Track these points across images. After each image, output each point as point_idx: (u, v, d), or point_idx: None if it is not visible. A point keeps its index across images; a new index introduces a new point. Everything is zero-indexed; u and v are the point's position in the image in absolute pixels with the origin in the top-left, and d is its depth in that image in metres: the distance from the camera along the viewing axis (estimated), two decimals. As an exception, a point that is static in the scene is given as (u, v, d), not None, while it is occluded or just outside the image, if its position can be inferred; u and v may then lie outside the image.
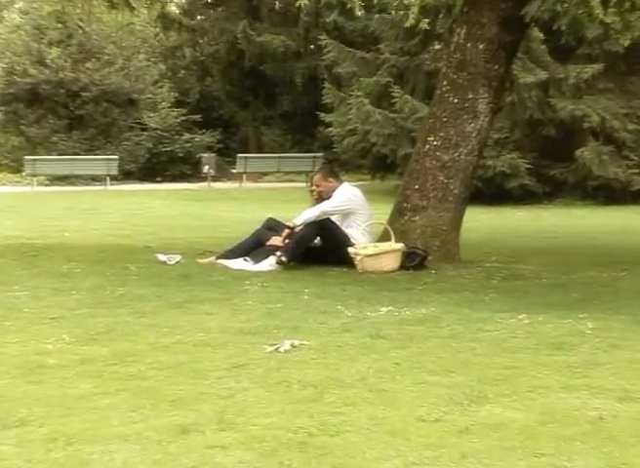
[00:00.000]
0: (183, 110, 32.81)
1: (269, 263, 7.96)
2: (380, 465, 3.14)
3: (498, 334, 5.24)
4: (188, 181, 29.32)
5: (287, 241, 8.09)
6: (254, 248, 8.27)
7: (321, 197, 8.46)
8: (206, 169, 27.70)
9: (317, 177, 8.67)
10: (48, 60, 30.42)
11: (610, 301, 6.56)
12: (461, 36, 8.65)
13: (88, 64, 30.93)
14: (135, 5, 11.34)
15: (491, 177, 19.91)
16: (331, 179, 8.57)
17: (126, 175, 29.09)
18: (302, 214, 8.24)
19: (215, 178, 28.14)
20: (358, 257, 7.88)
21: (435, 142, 8.63)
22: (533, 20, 8.92)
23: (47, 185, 26.94)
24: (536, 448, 3.28)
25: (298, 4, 8.59)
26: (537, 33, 18.88)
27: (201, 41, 32.61)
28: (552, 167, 20.69)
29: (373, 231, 8.54)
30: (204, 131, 32.94)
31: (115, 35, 32.49)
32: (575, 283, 7.51)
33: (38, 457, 3.20)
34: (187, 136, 32.29)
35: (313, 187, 8.64)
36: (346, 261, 7.93)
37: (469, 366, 4.44)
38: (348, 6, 8.80)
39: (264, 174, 30.41)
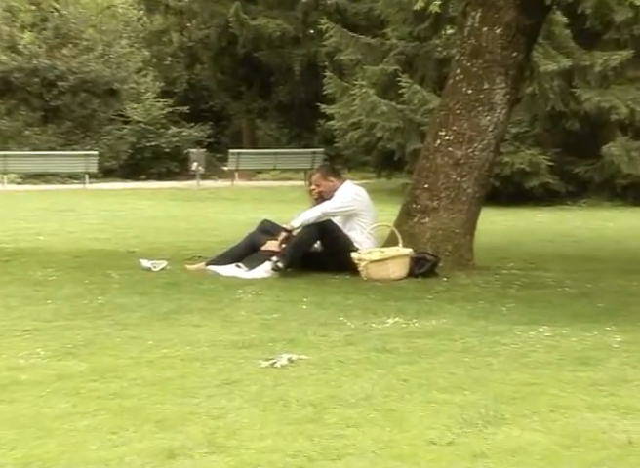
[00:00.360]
0: (170, 101, 32.84)
1: (264, 270, 7.97)
2: (386, 492, 3.14)
3: (516, 348, 5.24)
4: (175, 180, 29.35)
5: (284, 245, 8.09)
6: (247, 253, 8.28)
7: (322, 197, 8.47)
8: (195, 166, 27.71)
9: (316, 177, 8.67)
10: (20, 46, 30.45)
11: (640, 312, 6.57)
12: (476, 20, 8.66)
13: (64, 50, 30.98)
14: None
15: (508, 176, 19.90)
16: (332, 178, 8.57)
17: (106, 173, 29.11)
18: (301, 216, 8.25)
19: (204, 176, 28.15)
20: (362, 263, 7.88)
21: (447, 137, 8.64)
22: (555, 3, 8.95)
23: (19, 184, 26.95)
24: (558, 474, 3.28)
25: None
26: (559, 17, 18.85)
27: (189, 25, 32.63)
28: (576, 164, 20.69)
29: (378, 235, 8.54)
30: (192, 124, 32.97)
31: (95, 18, 32.53)
32: (601, 292, 7.52)
33: (10, 484, 3.20)
34: (174, 129, 32.33)
35: (313, 187, 8.65)
36: (349, 268, 7.93)
37: (485, 383, 4.44)
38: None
39: (259, 171, 30.43)
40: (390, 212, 9.77)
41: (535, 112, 20.39)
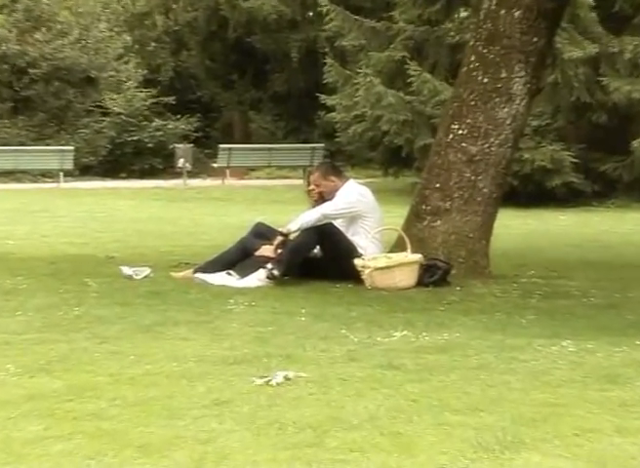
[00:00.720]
0: (154, 91, 32.88)
1: (258, 278, 7.97)
2: (393, 524, 3.14)
3: (536, 365, 5.25)
4: (160, 178, 29.39)
5: (280, 250, 8.10)
6: (239, 259, 8.28)
7: (322, 197, 8.47)
8: (181, 162, 27.75)
9: (316, 176, 8.67)
10: (-12, 30, 30.51)
11: (673, 325, 6.57)
12: (493, 2, 8.67)
13: (37, 35, 30.99)
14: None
15: (528, 174, 19.94)
16: (333, 177, 8.58)
17: (83, 170, 29.15)
18: (299, 218, 8.25)
19: (192, 174, 28.19)
20: (366, 271, 7.89)
21: (461, 131, 8.65)
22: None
23: (-13, 182, 27.01)
24: (583, 505, 3.29)
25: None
26: (585, -2, 18.94)
27: (175, 6, 32.72)
28: (603, 161, 20.72)
29: (384, 239, 8.55)
30: (179, 116, 33.01)
31: (70, -1, 32.54)
32: (630, 303, 7.52)
33: (-24, 514, 3.20)
34: (158, 122, 32.37)
35: (312, 187, 8.65)
36: (352, 275, 7.94)
37: (502, 403, 4.45)
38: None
39: (252, 169, 30.46)
40: (398, 213, 9.78)
41: (557, 103, 20.42)
